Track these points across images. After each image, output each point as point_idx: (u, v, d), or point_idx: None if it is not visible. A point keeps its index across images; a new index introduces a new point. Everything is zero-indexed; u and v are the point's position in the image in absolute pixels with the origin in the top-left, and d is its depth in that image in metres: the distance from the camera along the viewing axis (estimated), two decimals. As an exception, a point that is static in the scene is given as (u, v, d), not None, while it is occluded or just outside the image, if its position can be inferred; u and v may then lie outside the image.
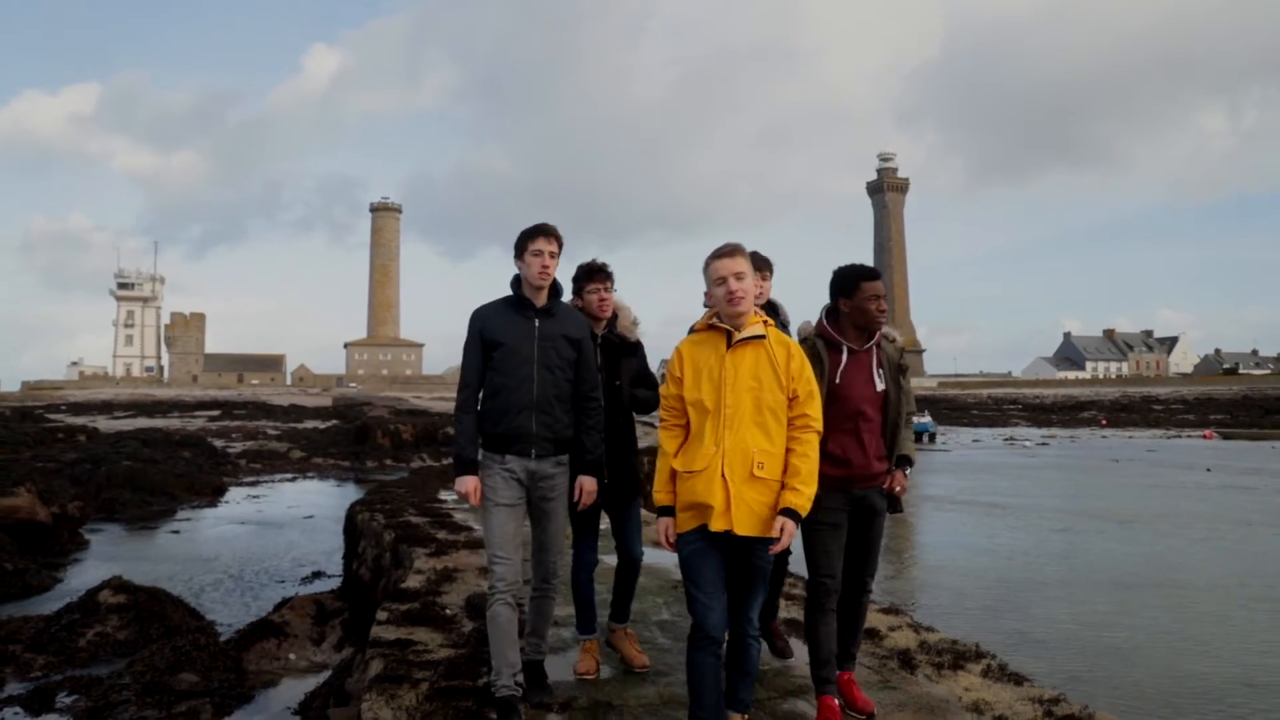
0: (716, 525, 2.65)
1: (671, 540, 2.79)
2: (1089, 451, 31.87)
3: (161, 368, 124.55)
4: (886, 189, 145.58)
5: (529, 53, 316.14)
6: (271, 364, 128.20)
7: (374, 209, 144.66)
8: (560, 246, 3.33)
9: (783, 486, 2.71)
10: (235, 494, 17.58)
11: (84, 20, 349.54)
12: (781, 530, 2.64)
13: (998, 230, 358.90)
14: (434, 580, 4.74)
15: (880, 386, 3.27)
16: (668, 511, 2.82)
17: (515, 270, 3.34)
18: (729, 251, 2.82)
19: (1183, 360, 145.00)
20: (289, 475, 21.74)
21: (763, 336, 2.80)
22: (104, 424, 33.96)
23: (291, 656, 6.53)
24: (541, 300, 3.31)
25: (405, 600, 4.26)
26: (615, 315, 3.74)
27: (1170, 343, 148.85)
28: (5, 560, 8.83)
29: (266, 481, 20.13)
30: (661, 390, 2.95)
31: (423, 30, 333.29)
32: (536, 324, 3.28)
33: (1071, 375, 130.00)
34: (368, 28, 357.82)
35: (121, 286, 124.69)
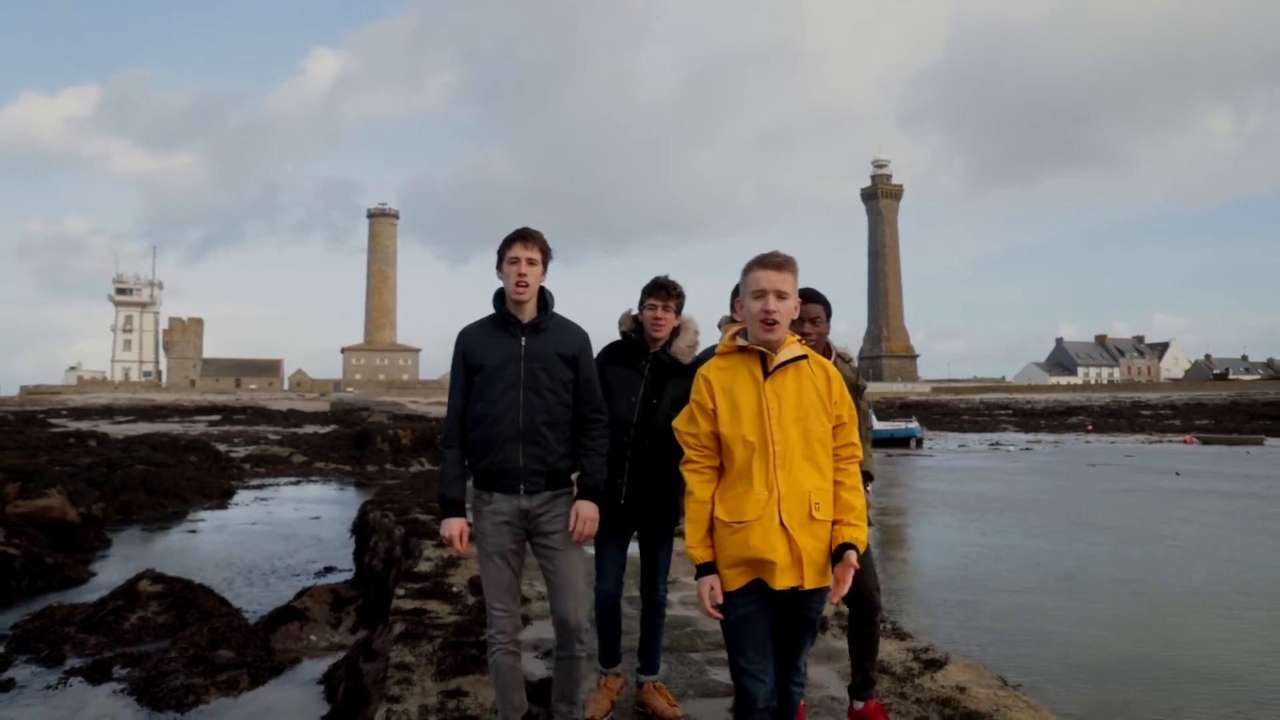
0: (782, 583, 2.35)
1: (718, 603, 2.42)
2: (1070, 456, 32.76)
3: (160, 372, 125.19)
4: (880, 195, 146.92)
5: (532, 54, 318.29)
6: (269, 369, 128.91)
7: (371, 215, 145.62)
8: (544, 254, 3.02)
9: (834, 523, 2.45)
10: (243, 497, 18.37)
11: (84, 21, 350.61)
12: (844, 570, 2.39)
13: (999, 234, 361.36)
14: (441, 566, 5.61)
15: None
16: (710, 569, 2.44)
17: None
18: (777, 263, 2.48)
19: (1174, 366, 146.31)
20: (293, 479, 22.51)
21: (803, 357, 2.51)
22: (109, 429, 34.71)
23: (313, 638, 7.38)
24: (527, 315, 3.00)
25: (418, 581, 5.13)
26: (677, 332, 3.52)
27: (1161, 348, 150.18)
28: (45, 555, 9.67)
29: (271, 485, 20.91)
30: (682, 425, 2.57)
31: (425, 32, 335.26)
32: (523, 342, 2.97)
33: (1063, 381, 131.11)
34: (369, 30, 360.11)
35: (120, 292, 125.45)
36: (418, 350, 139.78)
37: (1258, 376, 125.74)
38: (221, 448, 28.02)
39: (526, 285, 2.95)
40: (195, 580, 8.69)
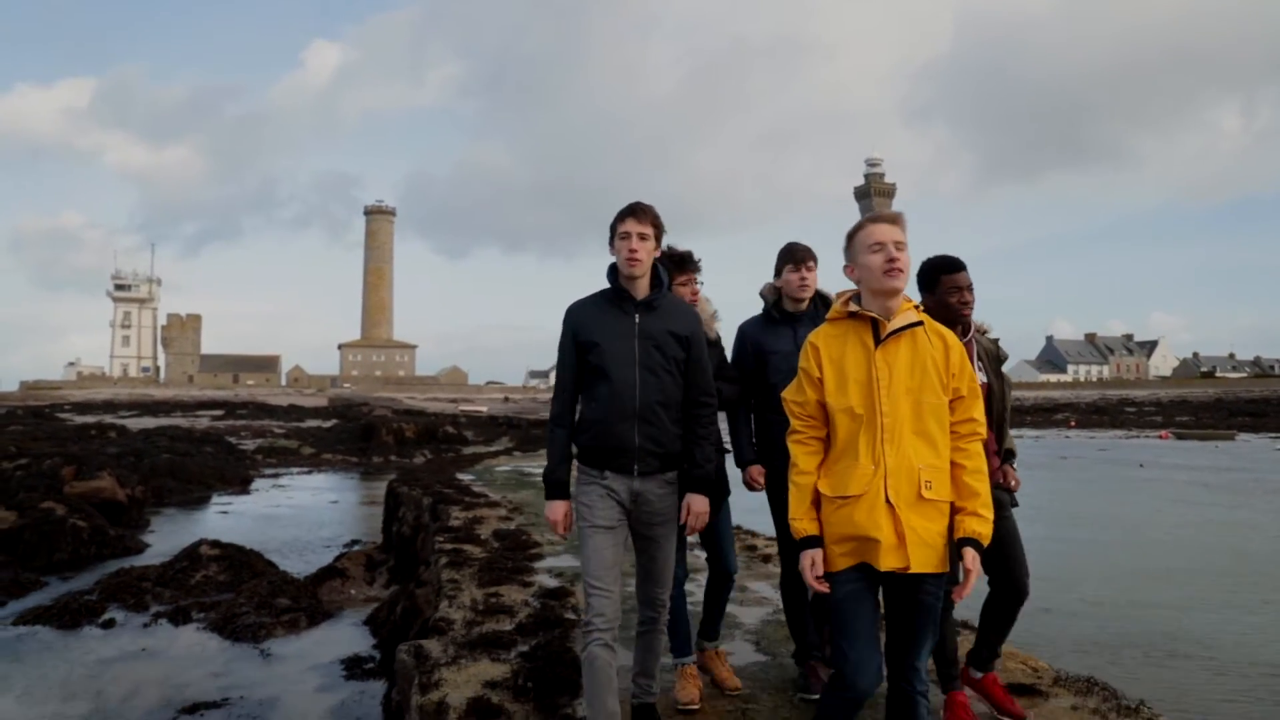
0: (887, 563, 2.27)
1: (819, 575, 2.36)
2: (1046, 450, 34.13)
3: (158, 368, 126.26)
4: (874, 194, 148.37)
5: (536, 48, 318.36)
6: (267, 365, 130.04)
7: (368, 212, 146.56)
8: (657, 229, 2.97)
9: (955, 510, 2.35)
10: (261, 484, 19.66)
11: (81, 12, 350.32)
12: (968, 568, 2.28)
13: (1003, 230, 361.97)
14: (468, 523, 6.94)
15: (982, 379, 3.20)
16: (814, 542, 2.38)
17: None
18: (890, 218, 2.43)
19: (1162, 363, 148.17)
20: (304, 469, 23.79)
21: (919, 324, 2.41)
22: (120, 423, 35.87)
23: (352, 592, 8.69)
24: (641, 292, 2.95)
25: (452, 532, 6.45)
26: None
27: (1150, 346, 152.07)
28: (108, 528, 10.98)
29: (285, 474, 22.19)
30: (789, 395, 2.51)
31: (427, 24, 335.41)
32: (637, 320, 2.92)
33: (1053, 378, 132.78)
34: (371, 22, 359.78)
35: (119, 288, 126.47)
36: (414, 346, 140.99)
37: (1244, 374, 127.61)
38: (231, 441, 29.26)
39: (639, 260, 2.91)
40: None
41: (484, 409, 59.96)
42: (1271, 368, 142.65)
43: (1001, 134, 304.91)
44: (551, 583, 5.08)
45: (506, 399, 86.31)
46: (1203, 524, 13.49)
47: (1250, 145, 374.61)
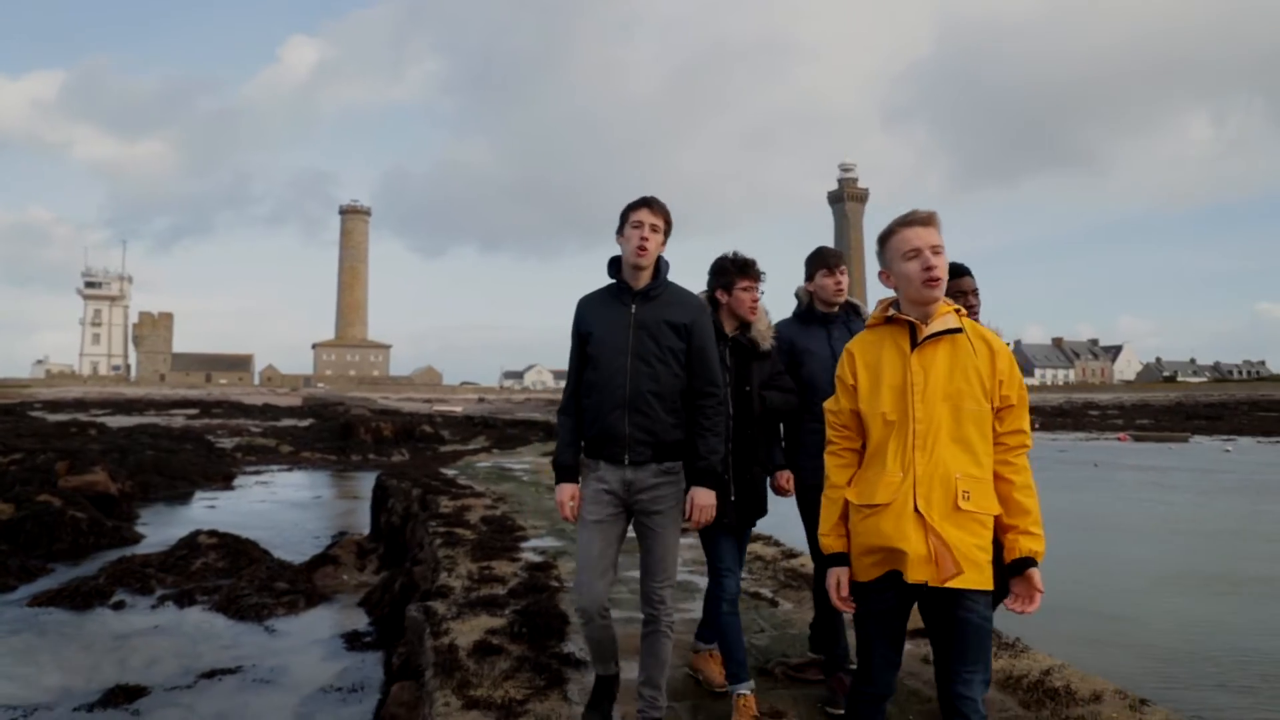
0: (915, 575, 2.17)
1: (845, 594, 2.30)
2: (1008, 451, 35.14)
3: (129, 366, 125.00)
4: (846, 198, 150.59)
5: (517, 46, 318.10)
6: (240, 364, 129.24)
7: (343, 211, 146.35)
8: (667, 224, 3.02)
9: (1005, 529, 2.25)
10: (244, 480, 20.04)
11: (51, 3, 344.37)
12: (1036, 588, 2.20)
13: (979, 234, 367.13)
14: (457, 510, 7.58)
15: None
16: (840, 560, 2.32)
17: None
18: (924, 219, 2.33)
19: (1127, 368, 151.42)
20: (284, 466, 24.13)
21: (959, 330, 2.30)
22: (99, 420, 35.89)
23: (345, 577, 9.26)
24: (641, 282, 3.01)
25: (443, 518, 7.08)
26: None
27: (1115, 351, 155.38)
28: (105, 520, 11.46)
29: (266, 471, 22.56)
30: (829, 405, 2.44)
31: (408, 21, 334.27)
32: (633, 310, 2.98)
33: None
34: (350, 18, 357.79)
35: (89, 285, 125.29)
36: (388, 346, 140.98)
37: (1204, 379, 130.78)
38: (209, 439, 29.47)
39: (647, 250, 2.96)
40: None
41: (459, 409, 60.25)
42: (1230, 373, 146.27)
43: (979, 138, 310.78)
44: (537, 559, 5.75)
45: (481, 399, 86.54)
46: (1148, 519, 14.36)
47: (1222, 153, 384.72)
